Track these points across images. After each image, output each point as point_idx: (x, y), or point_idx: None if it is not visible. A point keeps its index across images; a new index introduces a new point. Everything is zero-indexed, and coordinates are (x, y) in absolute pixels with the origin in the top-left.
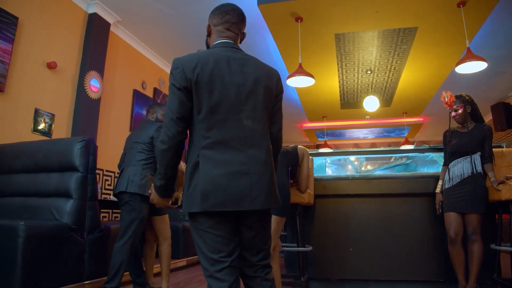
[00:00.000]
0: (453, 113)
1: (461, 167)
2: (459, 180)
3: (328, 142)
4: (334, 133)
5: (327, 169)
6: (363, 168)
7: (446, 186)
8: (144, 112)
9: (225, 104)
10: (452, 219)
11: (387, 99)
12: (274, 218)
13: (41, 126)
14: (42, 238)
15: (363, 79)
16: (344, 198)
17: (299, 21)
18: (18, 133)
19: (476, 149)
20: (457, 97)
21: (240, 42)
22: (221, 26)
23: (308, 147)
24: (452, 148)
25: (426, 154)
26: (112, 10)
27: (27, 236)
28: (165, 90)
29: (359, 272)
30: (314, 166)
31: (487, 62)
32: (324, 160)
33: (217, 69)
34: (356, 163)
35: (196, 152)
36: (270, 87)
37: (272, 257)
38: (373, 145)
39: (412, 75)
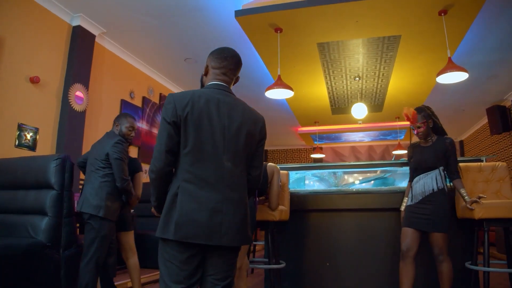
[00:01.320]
0: (415, 131)
1: (423, 184)
2: (421, 198)
3: (324, 146)
4: (329, 136)
5: (306, 181)
6: (341, 182)
7: (409, 203)
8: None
9: (209, 143)
10: (407, 233)
11: (378, 105)
12: None
13: (25, 140)
14: (14, 257)
15: (352, 85)
16: (322, 213)
17: (278, 32)
18: (1, 149)
19: (438, 164)
20: (419, 111)
21: (234, 84)
22: (218, 70)
23: (306, 150)
24: (414, 164)
25: (404, 168)
26: (97, 22)
27: None
28: (154, 98)
29: (336, 287)
30: (292, 179)
31: (468, 73)
32: (301, 174)
33: (207, 109)
34: (334, 176)
35: (177, 183)
36: (254, 133)
37: (240, 276)
38: (370, 148)
39: (401, 82)
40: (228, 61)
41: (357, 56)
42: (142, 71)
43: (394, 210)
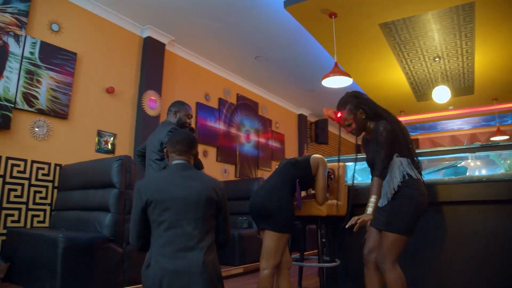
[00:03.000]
0: (346, 130)
1: (386, 181)
2: (388, 198)
3: (421, 137)
4: (423, 126)
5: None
6: None
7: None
8: (209, 123)
9: (172, 215)
10: (369, 233)
11: (468, 86)
12: (274, 235)
13: (104, 145)
14: (79, 249)
15: (433, 67)
16: None
17: (333, 17)
18: (84, 154)
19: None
20: (342, 106)
21: (195, 160)
22: (174, 153)
23: None
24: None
25: (478, 153)
26: (165, 31)
27: (65, 247)
28: (231, 99)
29: None
30: (350, 173)
31: None
32: (363, 165)
33: (167, 187)
34: None
35: (150, 253)
36: (212, 197)
37: (280, 274)
38: (473, 136)
39: (489, 56)
40: (180, 144)
41: (431, 33)
42: (216, 73)
43: (465, 203)
